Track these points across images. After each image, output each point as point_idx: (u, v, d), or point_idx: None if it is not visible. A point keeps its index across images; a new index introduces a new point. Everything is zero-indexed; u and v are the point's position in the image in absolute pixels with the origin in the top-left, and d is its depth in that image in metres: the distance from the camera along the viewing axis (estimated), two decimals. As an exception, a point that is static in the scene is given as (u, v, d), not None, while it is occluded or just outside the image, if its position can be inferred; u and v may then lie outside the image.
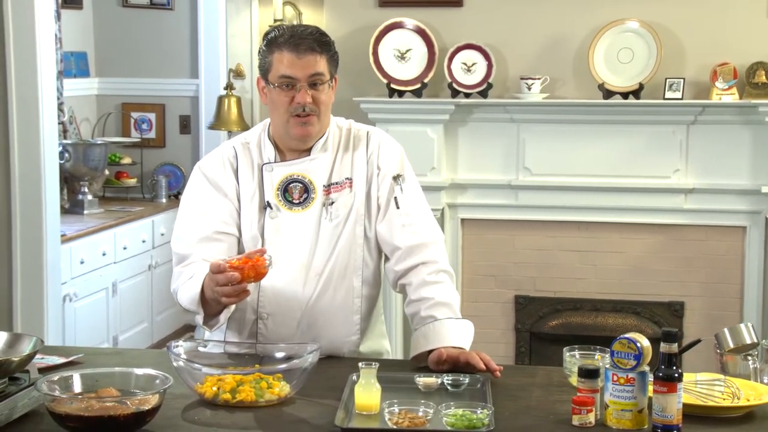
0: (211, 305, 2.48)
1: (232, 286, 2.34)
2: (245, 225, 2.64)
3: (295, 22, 5.32)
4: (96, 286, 5.43)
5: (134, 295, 5.81)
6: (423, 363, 2.53)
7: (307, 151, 2.66)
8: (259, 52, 2.64)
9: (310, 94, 2.56)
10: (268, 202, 2.63)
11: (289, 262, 2.61)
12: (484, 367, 2.45)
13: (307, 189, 2.64)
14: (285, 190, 2.64)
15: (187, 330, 6.22)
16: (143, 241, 5.89)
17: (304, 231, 2.62)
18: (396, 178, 2.68)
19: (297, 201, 2.64)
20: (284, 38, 2.57)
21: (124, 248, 5.71)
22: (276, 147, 2.67)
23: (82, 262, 5.26)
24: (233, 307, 2.56)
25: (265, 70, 2.61)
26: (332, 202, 2.64)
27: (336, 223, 2.63)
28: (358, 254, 2.65)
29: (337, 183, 2.65)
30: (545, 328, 5.24)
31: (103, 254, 5.50)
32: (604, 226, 5.17)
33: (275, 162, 2.66)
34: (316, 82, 2.57)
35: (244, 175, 2.66)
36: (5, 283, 4.45)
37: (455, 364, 2.46)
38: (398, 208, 2.65)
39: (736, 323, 2.52)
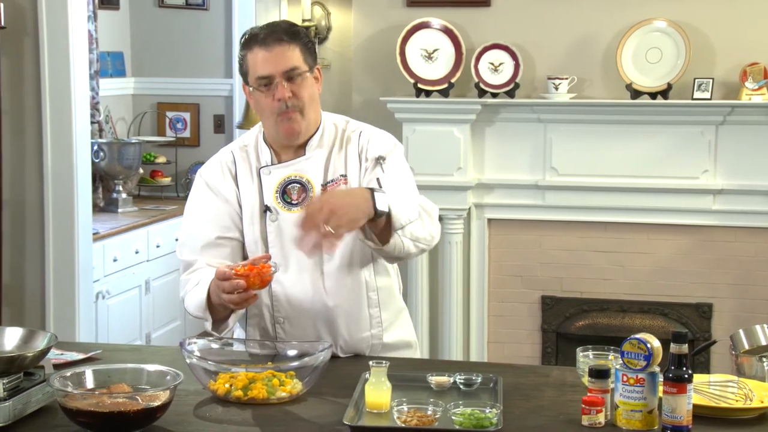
0: (218, 310, 2.49)
1: (238, 294, 2.35)
2: (247, 229, 2.63)
3: (323, 23, 5.36)
4: (129, 283, 5.49)
5: (167, 293, 5.86)
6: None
7: (303, 150, 2.63)
8: (239, 58, 2.62)
9: (288, 87, 2.53)
10: (267, 206, 2.61)
11: (295, 264, 2.59)
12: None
13: (305, 188, 2.60)
14: (283, 191, 2.62)
15: (219, 328, 6.26)
16: (176, 240, 5.93)
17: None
18: (378, 159, 2.60)
19: (296, 201, 2.61)
20: (253, 37, 2.55)
21: (157, 246, 5.77)
22: (272, 149, 2.65)
23: (115, 260, 5.32)
24: (241, 311, 2.57)
25: (244, 74, 2.60)
26: None
27: None
28: (364, 248, 2.57)
29: (332, 181, 2.61)
30: (572, 329, 5.22)
31: (136, 252, 5.56)
32: (631, 226, 5.13)
33: (272, 165, 2.64)
34: (292, 75, 2.53)
35: (243, 179, 2.65)
36: (38, 281, 4.52)
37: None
38: (380, 187, 2.51)
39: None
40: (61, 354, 2.54)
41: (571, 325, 5.22)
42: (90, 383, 2.14)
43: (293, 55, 2.54)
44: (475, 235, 5.24)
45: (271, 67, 2.53)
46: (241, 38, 2.61)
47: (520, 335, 5.29)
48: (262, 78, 2.54)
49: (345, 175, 2.62)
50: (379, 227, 2.41)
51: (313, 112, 2.61)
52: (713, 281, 5.09)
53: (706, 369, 4.83)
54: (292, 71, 2.54)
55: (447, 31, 5.14)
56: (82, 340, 4.50)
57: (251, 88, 2.58)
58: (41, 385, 2.14)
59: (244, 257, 2.62)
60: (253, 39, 2.56)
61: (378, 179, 2.56)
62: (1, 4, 4.18)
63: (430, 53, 5.14)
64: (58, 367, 2.36)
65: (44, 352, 2.15)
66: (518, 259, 5.25)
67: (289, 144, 2.62)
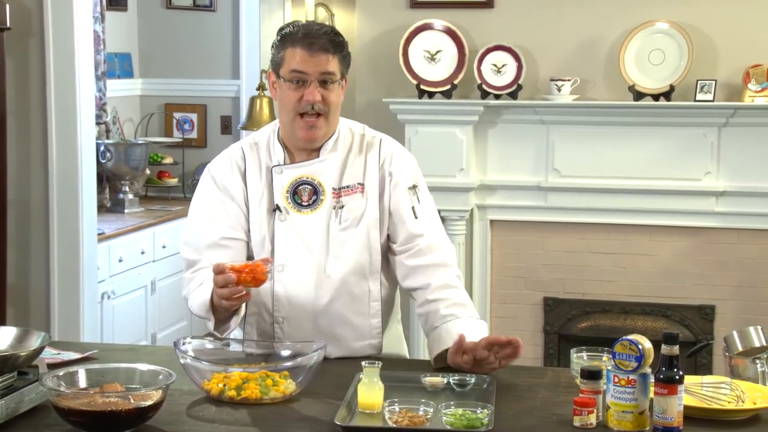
0: (220, 311, 2.49)
1: (228, 288, 2.36)
2: (254, 228, 2.64)
3: (327, 23, 5.37)
4: (134, 284, 5.50)
5: (173, 294, 5.87)
6: (443, 363, 2.51)
7: (317, 152, 2.65)
8: (273, 46, 2.63)
9: (320, 92, 2.55)
10: (277, 205, 2.63)
11: (300, 265, 2.61)
12: (506, 339, 2.51)
13: (316, 191, 2.63)
14: (294, 192, 2.63)
15: (224, 328, 6.27)
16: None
17: (313, 233, 2.62)
18: (412, 188, 2.67)
19: (306, 203, 2.63)
20: (299, 35, 2.56)
21: (164, 247, 5.77)
22: (285, 148, 2.66)
23: (120, 261, 5.33)
24: (242, 312, 2.57)
25: (276, 65, 2.60)
26: (342, 206, 2.62)
27: (345, 227, 2.62)
28: (375, 258, 2.64)
29: (348, 187, 2.64)
30: (574, 330, 5.22)
31: (142, 252, 5.57)
32: (634, 228, 5.14)
33: (284, 164, 2.65)
34: (327, 80, 2.56)
35: (252, 177, 2.66)
36: (43, 281, 4.53)
37: (476, 350, 2.45)
38: (416, 218, 2.64)
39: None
40: (58, 353, 2.55)
41: (573, 327, 5.23)
42: (83, 383, 2.15)
43: (332, 63, 2.57)
44: (477, 236, 5.24)
45: (309, 67, 2.54)
46: (282, 31, 2.61)
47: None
48: (297, 72, 2.56)
49: (362, 184, 2.65)
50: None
51: (334, 118, 2.64)
52: (716, 283, 5.09)
53: (708, 371, 4.83)
54: (326, 75, 2.56)
55: (450, 33, 5.15)
56: (86, 340, 4.51)
57: (281, 79, 2.59)
58: (34, 385, 2.15)
59: (249, 257, 2.63)
60: (298, 38, 2.56)
61: (413, 208, 2.65)
62: (7, 5, 4.19)
63: (432, 55, 5.15)
64: (53, 366, 2.37)
65: (38, 351, 2.16)
66: (520, 260, 5.26)
67: (304, 147, 2.64)
